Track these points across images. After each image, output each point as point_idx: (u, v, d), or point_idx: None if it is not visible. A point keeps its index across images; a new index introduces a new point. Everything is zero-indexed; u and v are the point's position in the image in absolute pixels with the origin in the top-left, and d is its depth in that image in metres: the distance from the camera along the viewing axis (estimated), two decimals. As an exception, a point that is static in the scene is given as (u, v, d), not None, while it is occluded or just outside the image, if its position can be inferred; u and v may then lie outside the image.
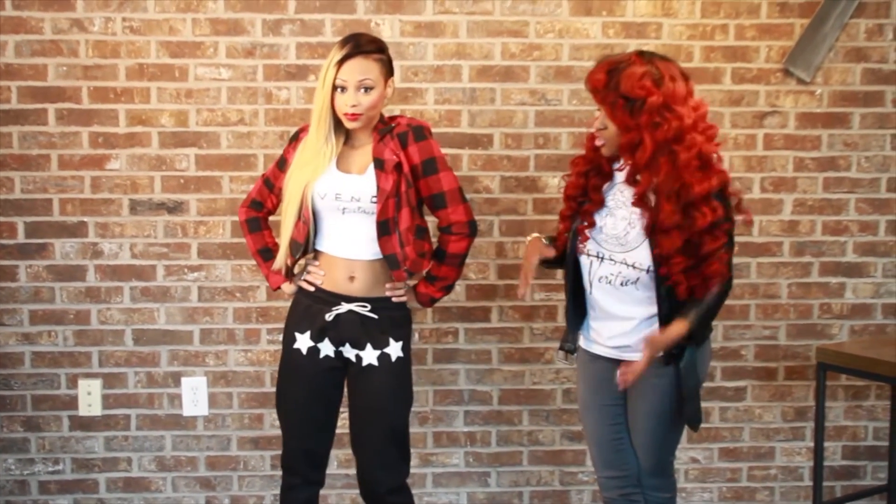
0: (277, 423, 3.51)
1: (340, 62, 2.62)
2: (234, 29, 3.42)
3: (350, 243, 2.73)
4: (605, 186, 2.64)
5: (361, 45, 2.64)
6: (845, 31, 3.52)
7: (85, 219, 3.47)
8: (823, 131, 3.58)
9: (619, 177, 2.61)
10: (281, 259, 2.80)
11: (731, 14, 3.49)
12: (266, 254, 2.89)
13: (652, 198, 2.48)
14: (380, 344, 2.74)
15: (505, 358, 3.62)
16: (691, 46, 3.49)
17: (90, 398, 3.53)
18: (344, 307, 2.73)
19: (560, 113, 3.51)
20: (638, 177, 2.48)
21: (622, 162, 2.59)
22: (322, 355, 2.76)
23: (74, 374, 3.53)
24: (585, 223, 2.63)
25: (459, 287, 3.55)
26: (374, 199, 2.67)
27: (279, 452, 3.54)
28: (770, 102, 3.55)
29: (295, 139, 2.81)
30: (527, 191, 3.54)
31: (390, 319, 2.77)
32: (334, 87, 2.64)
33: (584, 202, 2.66)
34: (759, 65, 3.53)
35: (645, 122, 2.39)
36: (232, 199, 3.46)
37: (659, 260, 2.49)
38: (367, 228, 2.70)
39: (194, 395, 3.55)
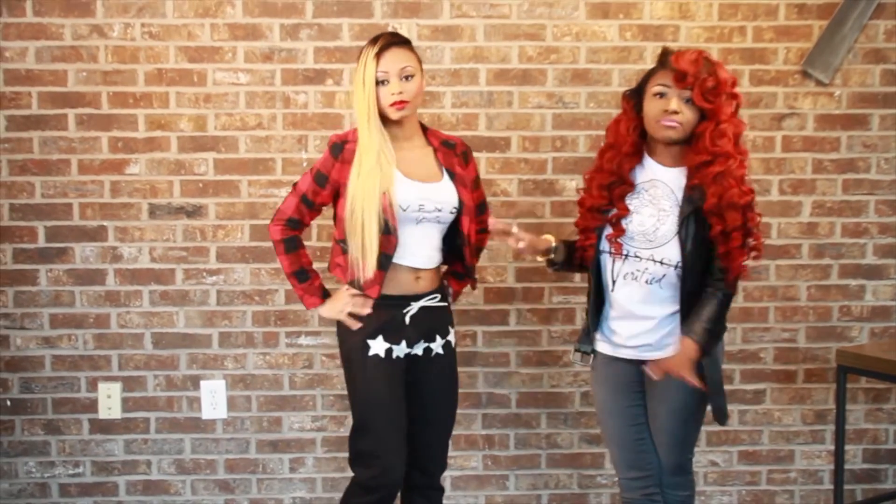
0: (296, 426, 3.56)
1: (378, 54, 2.62)
2: (253, 34, 3.43)
3: (418, 252, 2.70)
4: (629, 195, 2.66)
5: (395, 37, 2.69)
6: (864, 33, 3.51)
7: (104, 223, 3.49)
8: (842, 133, 3.57)
9: (642, 177, 2.65)
10: (370, 274, 2.63)
11: (748, 16, 3.49)
12: (302, 275, 2.75)
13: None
14: (445, 333, 2.80)
15: (523, 361, 3.62)
16: (709, 48, 3.47)
17: (110, 401, 3.55)
18: (415, 307, 2.72)
19: (577, 116, 3.51)
20: (711, 164, 2.53)
21: (646, 160, 2.65)
22: (395, 356, 2.72)
23: (94, 378, 3.55)
24: (614, 231, 2.65)
25: (478, 290, 3.56)
26: (454, 210, 2.72)
27: (298, 455, 3.59)
28: (788, 104, 3.54)
29: (341, 151, 2.67)
30: (544, 194, 3.54)
31: (447, 308, 2.83)
32: (376, 83, 2.62)
33: (608, 212, 2.68)
34: (778, 67, 3.52)
35: (731, 114, 2.54)
36: (250, 202, 3.48)
37: (713, 240, 2.55)
38: (435, 238, 2.73)
39: (213, 399, 3.57)
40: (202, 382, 3.57)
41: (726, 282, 2.57)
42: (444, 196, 2.71)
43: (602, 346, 2.77)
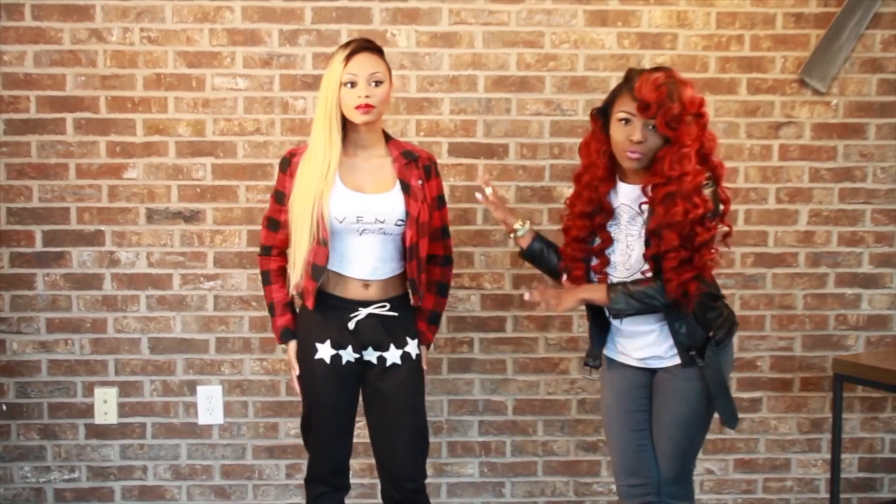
0: (292, 431, 3.56)
1: (348, 57, 2.62)
2: (251, 39, 3.43)
3: (364, 264, 2.70)
4: (609, 222, 2.66)
5: (367, 42, 2.69)
6: (861, 42, 3.52)
7: (102, 227, 3.49)
8: (839, 142, 3.57)
9: (616, 202, 2.64)
10: (296, 281, 2.71)
11: (746, 25, 3.50)
12: (270, 309, 2.85)
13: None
14: (401, 343, 2.76)
15: (520, 368, 3.62)
16: (706, 57, 3.49)
17: (106, 406, 3.54)
18: (363, 312, 2.71)
19: (575, 123, 3.52)
20: (665, 185, 2.49)
21: (618, 185, 2.64)
22: (344, 361, 2.74)
23: (91, 382, 3.54)
24: (599, 262, 2.67)
25: (474, 297, 3.56)
26: (400, 223, 2.68)
27: (294, 461, 3.58)
28: (785, 113, 3.55)
29: (288, 165, 2.74)
30: (542, 201, 3.54)
31: (405, 316, 2.78)
32: (342, 85, 2.61)
33: (592, 241, 2.68)
34: (775, 75, 3.53)
35: (697, 135, 2.47)
36: (248, 208, 3.48)
37: (654, 259, 2.53)
38: (381, 249, 2.70)
39: (209, 404, 3.56)
40: (199, 388, 3.56)
41: (666, 286, 2.52)
42: (387, 208, 2.67)
43: (610, 353, 2.80)
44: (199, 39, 3.43)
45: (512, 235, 2.83)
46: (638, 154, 2.52)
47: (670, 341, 2.63)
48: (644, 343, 2.67)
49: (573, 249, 2.71)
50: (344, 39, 3.39)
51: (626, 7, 3.47)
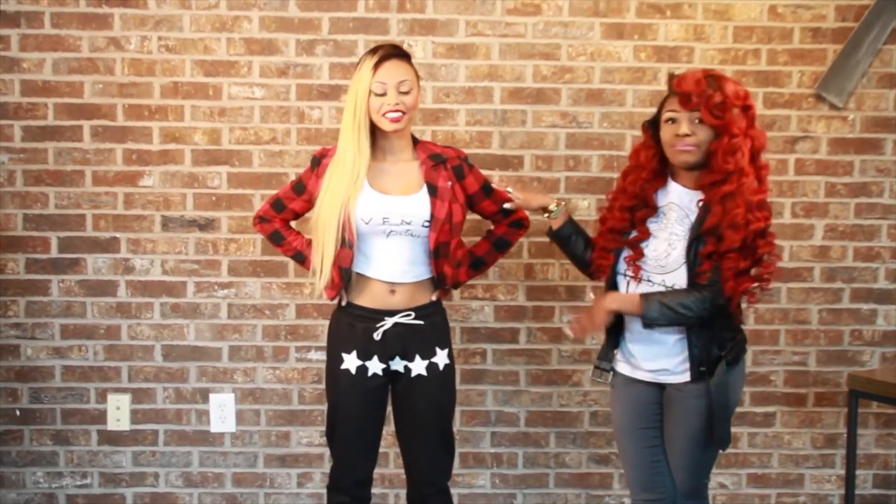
0: (304, 440, 3.56)
1: (377, 65, 2.62)
2: (268, 49, 3.45)
3: (391, 266, 2.71)
4: (651, 218, 2.67)
5: (395, 49, 2.70)
6: (878, 57, 3.51)
7: (117, 234, 3.50)
8: (856, 157, 3.56)
9: (664, 200, 2.65)
10: (326, 281, 2.71)
11: (763, 39, 3.49)
12: (299, 257, 2.90)
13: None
14: (427, 354, 2.75)
15: (532, 379, 3.61)
16: (723, 71, 3.45)
17: (119, 413, 3.55)
18: (389, 322, 2.72)
19: (591, 135, 3.52)
20: (723, 183, 2.52)
21: (669, 184, 2.65)
22: (370, 373, 2.74)
23: (104, 389, 3.55)
24: (633, 253, 2.66)
25: (488, 308, 3.56)
26: (426, 224, 2.68)
27: (306, 470, 3.58)
28: (802, 127, 3.54)
29: (317, 165, 2.77)
30: (557, 213, 3.54)
31: (433, 326, 2.78)
32: (371, 93, 2.62)
33: (628, 234, 2.69)
34: (791, 90, 3.52)
35: (746, 127, 2.50)
36: (263, 217, 3.49)
37: (710, 259, 2.53)
38: (409, 251, 2.71)
39: (222, 412, 3.57)
40: (211, 395, 3.57)
41: (714, 291, 2.52)
42: (414, 209, 2.69)
43: (622, 367, 2.78)
44: (216, 48, 3.44)
45: (546, 216, 2.85)
46: (688, 146, 2.54)
47: (682, 355, 2.62)
48: (657, 353, 2.66)
49: (606, 240, 2.73)
50: (361, 50, 3.41)
51: (643, 20, 3.47)
